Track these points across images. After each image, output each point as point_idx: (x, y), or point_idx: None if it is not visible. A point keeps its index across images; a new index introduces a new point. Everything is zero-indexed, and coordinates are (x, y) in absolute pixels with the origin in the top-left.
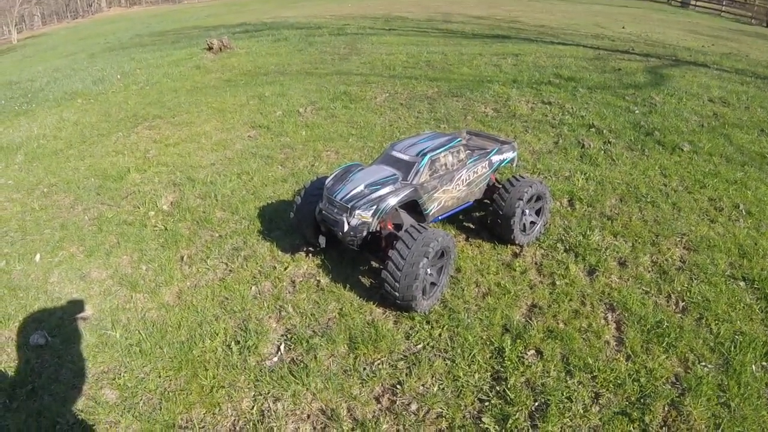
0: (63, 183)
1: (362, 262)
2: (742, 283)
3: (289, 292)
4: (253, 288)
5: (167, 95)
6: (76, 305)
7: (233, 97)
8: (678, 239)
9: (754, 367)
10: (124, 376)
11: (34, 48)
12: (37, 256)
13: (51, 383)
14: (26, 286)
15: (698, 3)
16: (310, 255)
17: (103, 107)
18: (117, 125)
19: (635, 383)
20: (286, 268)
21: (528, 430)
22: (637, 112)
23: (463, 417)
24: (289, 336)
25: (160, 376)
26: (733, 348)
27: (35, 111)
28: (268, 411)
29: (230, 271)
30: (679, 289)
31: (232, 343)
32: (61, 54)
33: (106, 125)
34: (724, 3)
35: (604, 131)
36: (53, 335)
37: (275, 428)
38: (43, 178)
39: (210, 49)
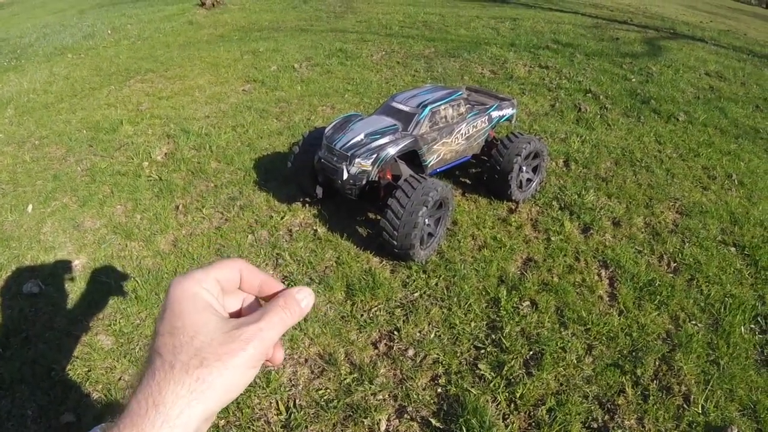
0: (54, 135)
1: (359, 212)
2: (732, 249)
3: (286, 241)
4: (250, 236)
5: (159, 50)
6: (70, 254)
7: (227, 52)
8: (671, 203)
9: (742, 328)
10: (120, 322)
11: (22, 5)
12: (30, 207)
13: (45, 331)
14: (18, 236)
15: None
16: (307, 205)
17: (94, 62)
18: (108, 79)
19: (627, 337)
20: (282, 218)
21: (523, 377)
22: (633, 80)
23: (460, 363)
24: (286, 283)
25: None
26: (722, 309)
27: (24, 66)
28: None
29: (226, 220)
30: (671, 250)
31: None
32: (50, 11)
33: (97, 79)
34: None
35: (601, 97)
36: (47, 284)
37: (272, 371)
38: (34, 131)
39: (202, 4)
